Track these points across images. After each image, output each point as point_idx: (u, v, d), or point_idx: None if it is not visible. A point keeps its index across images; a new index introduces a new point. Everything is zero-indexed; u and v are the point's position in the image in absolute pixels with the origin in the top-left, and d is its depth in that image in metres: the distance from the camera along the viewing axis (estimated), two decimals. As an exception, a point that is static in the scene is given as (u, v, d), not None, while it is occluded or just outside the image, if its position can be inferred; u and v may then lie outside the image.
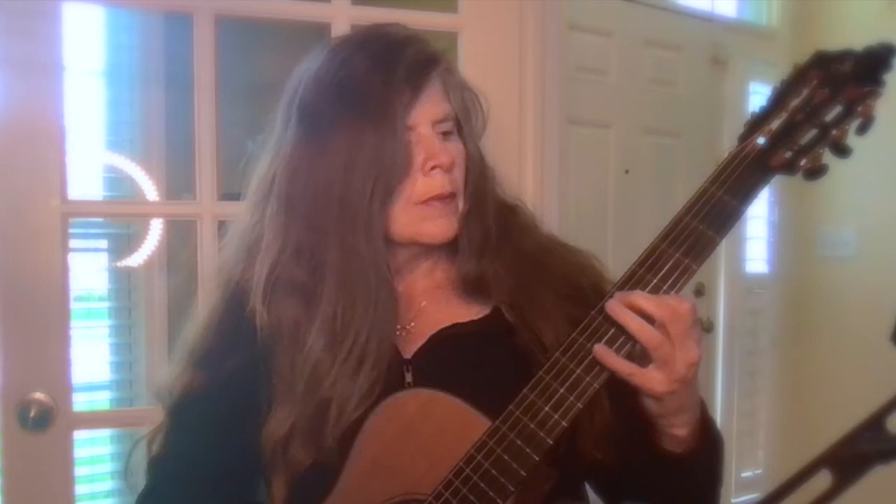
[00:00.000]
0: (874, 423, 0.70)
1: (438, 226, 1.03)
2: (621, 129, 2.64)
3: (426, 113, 1.02)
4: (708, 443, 1.00)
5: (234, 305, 1.07)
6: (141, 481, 1.11)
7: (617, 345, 0.91)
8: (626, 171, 2.65)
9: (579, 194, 2.44)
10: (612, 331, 0.91)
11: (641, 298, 0.89)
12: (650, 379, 0.90)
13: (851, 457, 0.69)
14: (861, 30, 2.89)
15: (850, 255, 2.96)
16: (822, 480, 0.70)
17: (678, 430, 0.96)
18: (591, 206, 2.54)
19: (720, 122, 2.96)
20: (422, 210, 1.03)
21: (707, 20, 2.91)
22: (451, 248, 1.10)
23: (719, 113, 2.95)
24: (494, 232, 1.09)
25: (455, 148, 1.05)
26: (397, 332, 1.07)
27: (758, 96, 3.08)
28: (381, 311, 1.01)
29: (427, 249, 1.09)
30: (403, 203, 1.02)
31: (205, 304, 1.14)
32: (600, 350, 0.90)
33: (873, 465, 0.69)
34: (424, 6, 1.78)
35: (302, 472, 1.00)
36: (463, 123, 1.08)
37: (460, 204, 1.05)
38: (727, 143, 2.95)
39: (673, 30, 2.77)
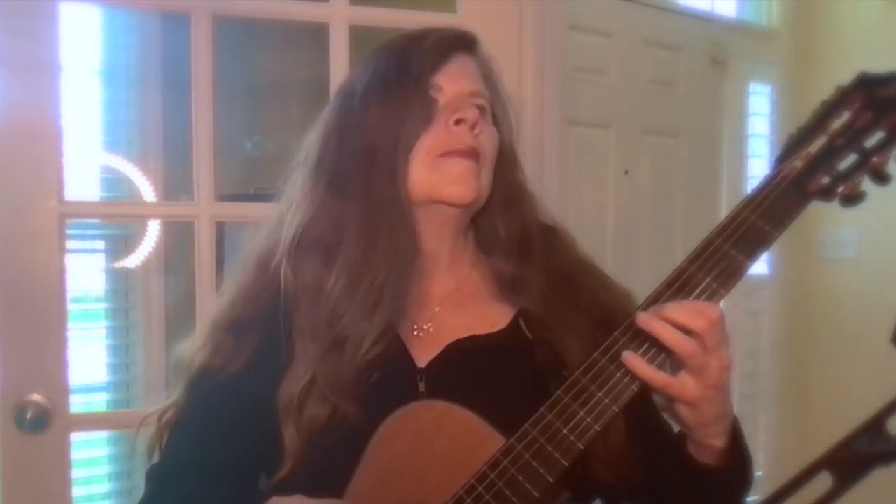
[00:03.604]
0: (874, 425, 0.70)
1: (458, 181, 1.03)
2: (621, 129, 2.63)
3: (456, 81, 1.06)
4: (741, 454, 0.99)
5: (266, 275, 1.07)
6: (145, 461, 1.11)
7: (647, 358, 0.89)
8: (626, 172, 2.64)
9: (579, 194, 2.43)
10: (638, 347, 0.89)
11: (675, 311, 0.88)
12: (684, 386, 0.89)
13: (852, 459, 0.69)
14: (861, 30, 2.88)
15: (850, 256, 2.95)
16: (823, 482, 0.69)
17: (716, 440, 0.95)
18: (591, 207, 2.53)
19: (720, 123, 2.95)
20: (442, 162, 1.03)
21: (707, 20, 2.89)
22: (478, 245, 1.11)
23: (719, 113, 2.94)
24: (537, 238, 1.10)
25: (487, 125, 1.07)
26: (413, 332, 1.06)
27: (758, 96, 3.07)
28: (400, 254, 1.03)
29: (453, 231, 1.08)
30: (424, 154, 1.03)
31: (236, 276, 1.13)
32: (630, 357, 0.89)
33: (874, 467, 0.68)
34: (423, 6, 1.77)
35: (318, 433, 0.98)
36: (499, 115, 1.11)
37: (484, 174, 1.05)
38: (727, 144, 2.96)
39: (673, 30, 2.76)
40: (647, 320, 0.89)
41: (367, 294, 1.01)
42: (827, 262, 3.02)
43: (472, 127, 1.03)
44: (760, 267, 3.16)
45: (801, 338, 3.10)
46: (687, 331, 0.88)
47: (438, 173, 1.03)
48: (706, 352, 0.88)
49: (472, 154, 1.03)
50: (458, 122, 1.03)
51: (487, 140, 1.06)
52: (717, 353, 0.89)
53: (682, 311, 0.88)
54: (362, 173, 1.04)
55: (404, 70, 1.05)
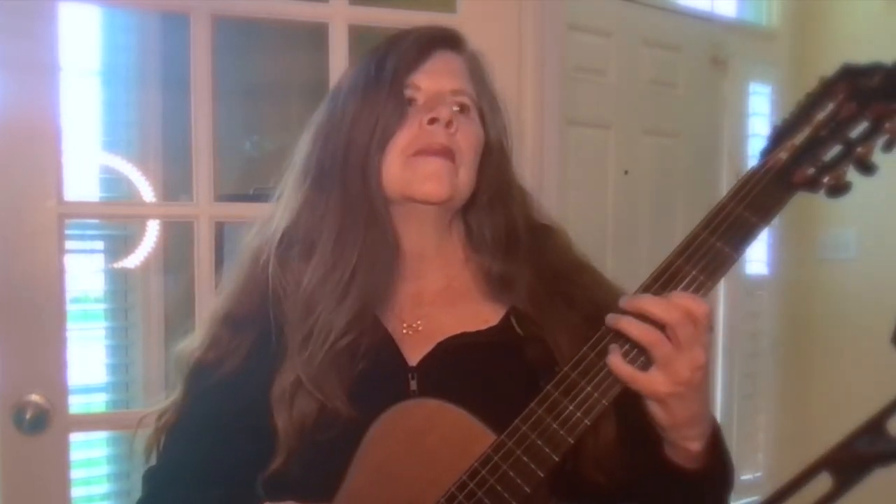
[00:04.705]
0: (874, 425, 0.69)
1: (430, 179, 1.02)
2: (621, 129, 2.63)
3: (435, 79, 1.06)
4: (720, 461, 0.99)
5: (260, 273, 1.08)
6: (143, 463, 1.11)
7: (629, 358, 0.89)
8: (626, 172, 2.64)
9: (579, 195, 2.43)
10: (623, 344, 0.89)
11: (649, 303, 0.87)
12: (651, 381, 0.88)
13: (852, 459, 0.68)
14: (861, 30, 2.88)
15: (850, 257, 2.95)
16: (823, 483, 0.69)
17: (691, 443, 0.94)
18: (591, 207, 2.53)
19: (720, 123, 2.95)
20: (415, 161, 1.03)
21: (707, 20, 2.90)
22: (468, 243, 1.11)
23: (719, 113, 2.94)
24: (525, 236, 1.09)
25: (467, 123, 1.07)
26: (403, 331, 1.06)
27: (758, 96, 3.07)
28: (371, 245, 1.03)
29: (434, 230, 1.08)
30: (398, 153, 1.03)
31: (233, 272, 1.13)
32: (610, 348, 0.89)
33: (874, 468, 0.68)
34: (423, 6, 1.77)
35: (310, 430, 0.97)
36: (487, 114, 1.11)
37: (462, 172, 1.05)
38: (727, 144, 2.95)
39: (673, 30, 2.76)
40: (612, 319, 0.89)
41: (337, 283, 1.02)
42: (827, 263, 3.03)
43: (447, 125, 1.03)
44: (760, 268, 3.16)
45: (801, 338, 3.10)
46: (661, 324, 0.87)
47: (411, 171, 1.03)
48: (678, 346, 0.87)
49: (446, 153, 1.03)
50: (431, 121, 1.02)
51: (465, 138, 1.05)
52: (690, 349, 0.87)
53: (654, 303, 0.87)
54: (340, 171, 1.05)
55: (380, 70, 1.05)
